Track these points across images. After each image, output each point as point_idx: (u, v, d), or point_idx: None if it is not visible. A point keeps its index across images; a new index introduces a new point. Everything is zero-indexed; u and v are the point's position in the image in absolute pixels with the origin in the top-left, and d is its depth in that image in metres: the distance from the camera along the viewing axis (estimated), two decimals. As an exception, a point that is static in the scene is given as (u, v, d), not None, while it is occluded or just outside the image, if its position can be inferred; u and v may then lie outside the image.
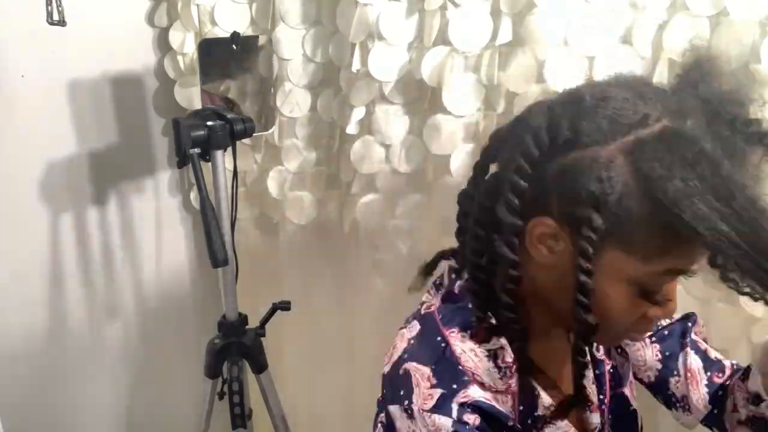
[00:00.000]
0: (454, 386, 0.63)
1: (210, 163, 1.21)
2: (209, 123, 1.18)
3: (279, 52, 1.31)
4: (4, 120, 1.34)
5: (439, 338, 0.66)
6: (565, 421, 0.68)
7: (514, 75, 1.08)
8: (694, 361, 0.79)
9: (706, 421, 0.79)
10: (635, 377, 0.83)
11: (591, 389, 0.74)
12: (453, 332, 0.66)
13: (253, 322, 1.33)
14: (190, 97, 1.44)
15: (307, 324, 1.54)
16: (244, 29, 1.35)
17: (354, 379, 1.53)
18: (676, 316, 0.82)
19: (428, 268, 0.75)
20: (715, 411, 0.78)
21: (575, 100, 0.60)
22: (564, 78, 1.04)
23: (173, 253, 1.63)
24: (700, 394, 0.78)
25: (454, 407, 0.61)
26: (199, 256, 1.64)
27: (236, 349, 1.30)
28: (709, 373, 0.79)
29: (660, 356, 0.81)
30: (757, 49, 0.89)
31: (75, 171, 1.46)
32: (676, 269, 0.59)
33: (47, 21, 1.14)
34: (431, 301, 0.72)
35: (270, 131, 1.37)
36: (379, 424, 0.66)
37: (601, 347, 0.77)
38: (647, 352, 0.81)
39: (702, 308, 1.02)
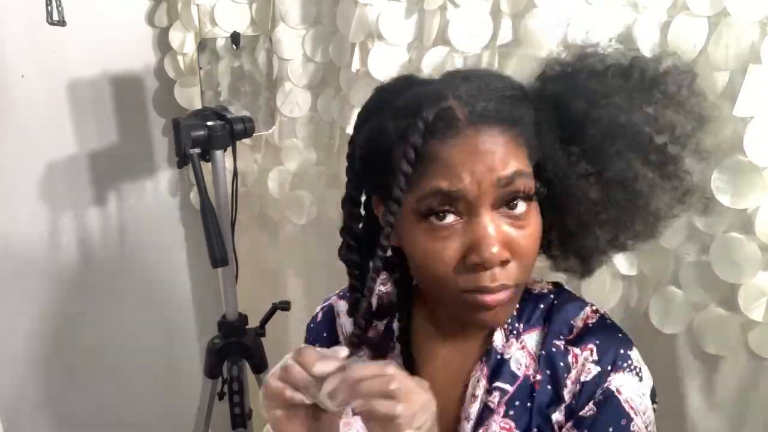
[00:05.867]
0: (339, 292, 0.83)
1: (210, 163, 1.21)
2: (209, 123, 1.18)
3: (279, 52, 1.31)
4: (4, 120, 1.34)
5: None
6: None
7: (514, 75, 1.08)
8: None
9: None
10: None
11: (469, 414, 0.68)
12: None
13: (253, 322, 1.33)
14: (190, 97, 1.44)
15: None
16: (244, 29, 1.35)
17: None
18: None
19: None
20: None
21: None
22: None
23: (173, 253, 1.64)
24: None
25: (326, 304, 0.82)
26: (199, 256, 1.64)
27: (236, 349, 1.30)
28: None
29: None
30: (757, 49, 0.89)
31: (75, 171, 1.46)
32: (440, 191, 0.59)
33: (47, 21, 1.14)
34: None
35: (270, 131, 1.37)
36: None
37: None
38: None
39: (699, 313, 1.01)
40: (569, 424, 0.66)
